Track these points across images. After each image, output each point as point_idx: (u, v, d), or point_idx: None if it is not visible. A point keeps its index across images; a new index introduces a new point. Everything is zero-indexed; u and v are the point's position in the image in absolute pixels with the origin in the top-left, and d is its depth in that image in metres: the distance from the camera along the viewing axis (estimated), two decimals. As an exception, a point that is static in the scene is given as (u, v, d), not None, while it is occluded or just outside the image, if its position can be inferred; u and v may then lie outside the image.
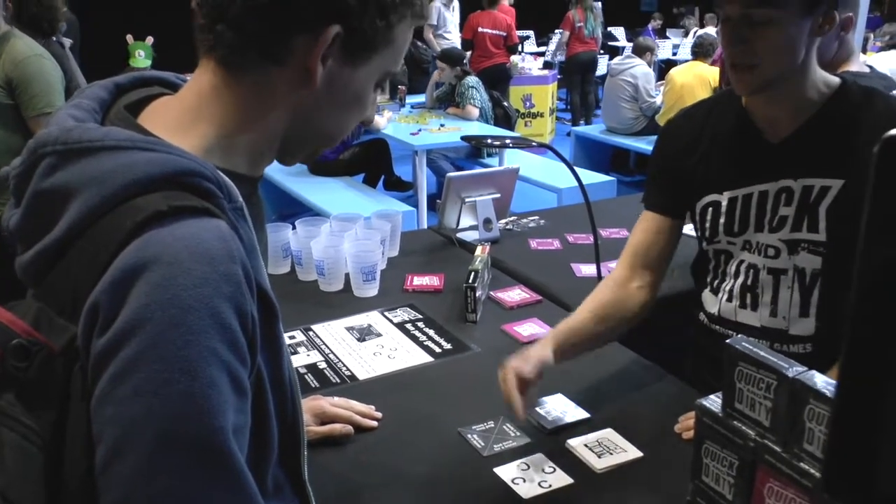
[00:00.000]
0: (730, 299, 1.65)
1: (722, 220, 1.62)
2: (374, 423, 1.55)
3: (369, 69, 0.91)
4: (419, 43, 9.44)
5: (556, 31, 10.29)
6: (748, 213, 1.58)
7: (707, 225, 1.65)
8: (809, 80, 1.49)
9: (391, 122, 6.37)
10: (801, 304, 1.56)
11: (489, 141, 2.36)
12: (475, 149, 6.40)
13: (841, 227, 1.48)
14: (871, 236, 0.42)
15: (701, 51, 6.87)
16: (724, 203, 1.61)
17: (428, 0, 0.98)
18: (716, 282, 1.70)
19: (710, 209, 1.64)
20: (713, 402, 1.22)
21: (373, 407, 1.59)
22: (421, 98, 7.65)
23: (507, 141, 2.22)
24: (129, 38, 7.87)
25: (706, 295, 1.74)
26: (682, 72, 6.91)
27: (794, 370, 1.09)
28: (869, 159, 0.42)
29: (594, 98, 10.22)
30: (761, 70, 1.44)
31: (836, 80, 1.52)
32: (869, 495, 0.44)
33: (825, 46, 2.07)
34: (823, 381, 1.06)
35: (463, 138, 2.36)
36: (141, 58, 7.54)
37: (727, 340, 1.18)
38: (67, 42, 6.52)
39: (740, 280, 1.63)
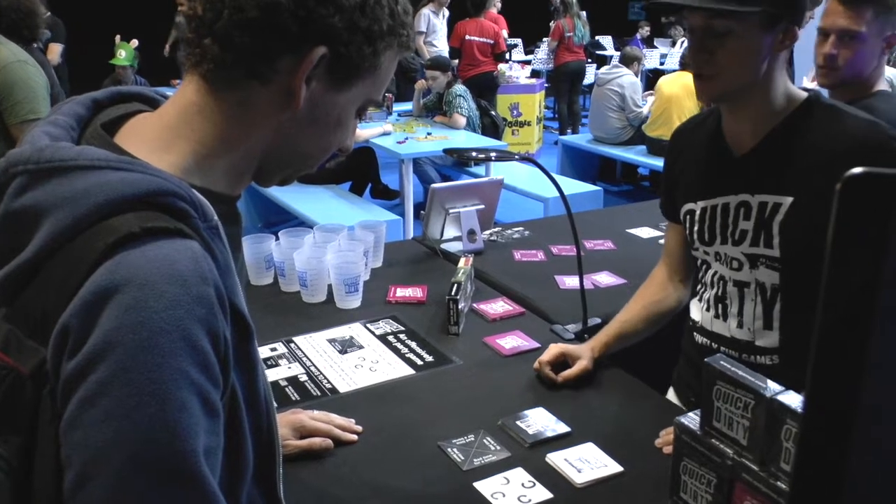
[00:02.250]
0: (707, 309, 1.69)
1: (696, 228, 1.67)
2: (354, 437, 1.55)
3: (352, 95, 0.92)
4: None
5: (544, 39, 10.31)
6: (714, 223, 1.63)
7: (687, 232, 1.70)
8: (772, 95, 1.52)
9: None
10: (765, 316, 1.59)
11: (473, 154, 2.36)
12: (461, 157, 6.39)
13: (792, 243, 1.50)
14: (833, 271, 0.42)
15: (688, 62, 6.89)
16: (698, 212, 1.66)
17: (414, 31, 0.98)
18: (700, 291, 1.73)
19: (689, 217, 1.69)
20: (691, 419, 1.22)
21: (353, 420, 1.58)
22: (408, 106, 7.65)
23: (491, 154, 2.22)
24: (118, 37, 7.88)
25: (693, 303, 1.78)
26: (670, 82, 6.93)
27: (772, 390, 1.09)
28: (817, 179, 0.43)
29: (579, 107, 10.25)
30: (721, 80, 1.48)
31: (802, 95, 1.54)
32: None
33: (867, 62, 2.09)
34: (801, 402, 1.06)
35: (445, 151, 2.36)
36: (121, 57, 7.54)
37: (706, 360, 1.19)
38: (59, 47, 6.51)
39: (713, 291, 1.67)
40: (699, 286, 1.74)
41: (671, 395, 1.88)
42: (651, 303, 1.85)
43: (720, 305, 1.65)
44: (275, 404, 0.97)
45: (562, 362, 1.78)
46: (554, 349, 1.78)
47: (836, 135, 1.47)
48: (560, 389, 1.75)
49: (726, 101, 1.55)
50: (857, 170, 0.40)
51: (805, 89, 1.57)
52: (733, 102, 1.54)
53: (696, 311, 1.75)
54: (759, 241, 1.55)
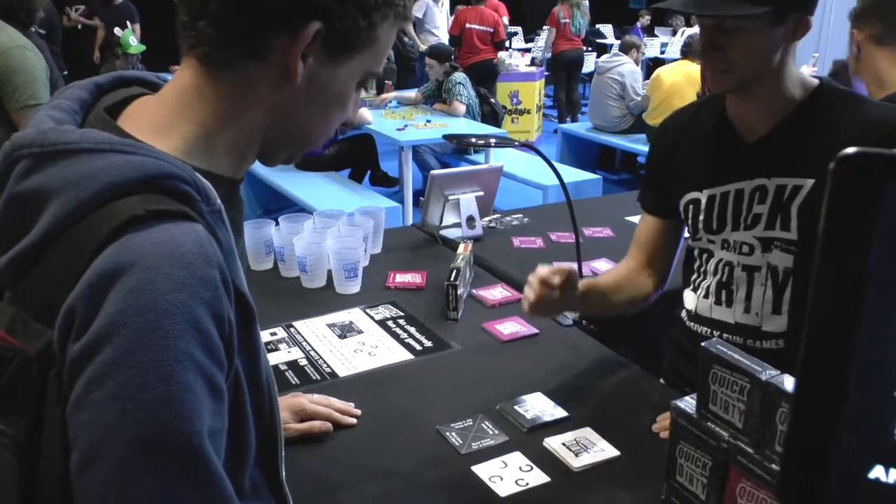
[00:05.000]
0: (706, 296, 1.69)
1: (701, 218, 1.66)
2: (353, 421, 1.56)
3: (351, 69, 0.91)
4: (406, 39, 9.44)
5: (544, 27, 10.28)
6: (725, 211, 1.62)
7: (689, 222, 1.70)
8: (785, 82, 1.53)
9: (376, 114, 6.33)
10: (774, 301, 1.59)
11: (472, 140, 2.37)
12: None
13: (811, 225, 1.51)
14: (826, 249, 0.43)
15: (689, 51, 6.86)
16: (704, 201, 1.65)
17: (412, 1, 0.97)
18: (697, 280, 1.73)
19: (692, 206, 1.68)
20: (688, 403, 1.23)
21: (352, 404, 1.59)
22: (408, 94, 7.63)
23: (490, 140, 2.22)
24: (118, 30, 7.86)
25: (687, 293, 1.77)
26: (671, 71, 6.92)
27: (768, 374, 1.10)
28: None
29: (578, 96, 10.23)
30: (734, 73, 1.49)
31: (814, 81, 1.55)
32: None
33: None
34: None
35: (445, 137, 2.36)
36: (135, 44, 7.55)
37: (702, 343, 1.20)
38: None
39: (716, 278, 1.66)
40: (695, 276, 1.74)
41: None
42: (624, 277, 1.80)
43: (724, 292, 1.65)
44: (276, 388, 0.98)
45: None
46: (543, 267, 1.58)
47: (855, 117, 1.48)
48: (558, 374, 1.76)
49: (741, 92, 1.54)
50: (851, 149, 0.41)
51: (814, 76, 1.58)
52: (746, 91, 1.53)
53: (692, 301, 1.74)
54: (774, 224, 1.55)
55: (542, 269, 1.56)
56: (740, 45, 1.45)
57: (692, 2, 1.50)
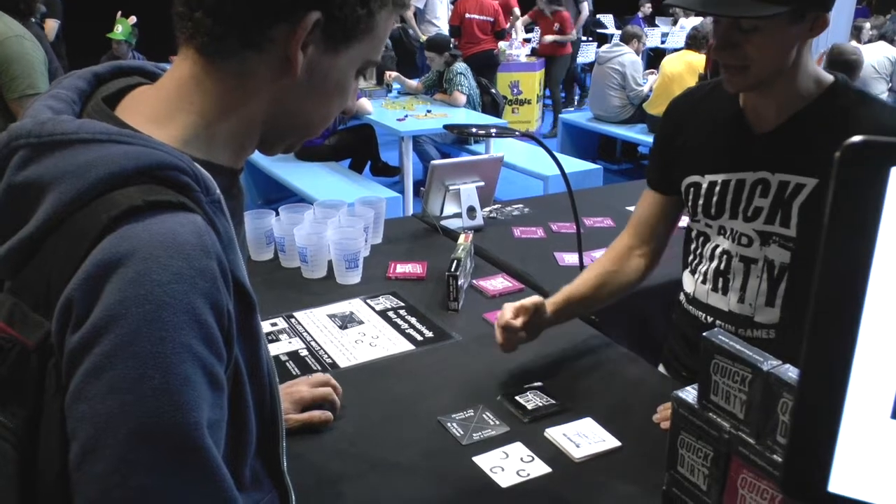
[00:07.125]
0: (704, 281, 1.70)
1: (701, 202, 1.66)
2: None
3: (350, 57, 0.90)
4: (409, 30, 9.42)
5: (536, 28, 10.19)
6: (725, 198, 1.61)
7: (689, 204, 1.70)
8: (800, 78, 1.50)
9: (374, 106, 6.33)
10: (768, 293, 1.60)
11: (473, 130, 2.36)
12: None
13: (811, 225, 1.51)
14: (830, 241, 0.43)
15: (694, 43, 6.82)
16: (704, 185, 1.64)
17: None
18: (694, 262, 1.74)
19: (692, 189, 1.68)
20: (689, 393, 1.23)
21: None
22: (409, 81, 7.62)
23: (491, 130, 2.22)
24: (119, 13, 7.81)
25: (686, 275, 1.78)
26: (673, 61, 6.90)
27: (769, 364, 1.10)
28: None
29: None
30: (751, 72, 1.46)
31: (829, 78, 1.53)
32: (823, 497, 0.45)
33: None
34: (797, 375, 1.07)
35: (446, 127, 2.36)
36: (118, 32, 7.46)
37: (704, 333, 1.20)
38: (55, 23, 6.46)
39: (714, 264, 1.67)
40: (693, 258, 1.74)
41: (661, 370, 1.88)
42: (605, 272, 1.79)
43: (721, 279, 1.66)
44: (277, 378, 0.97)
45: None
46: (507, 308, 1.66)
47: (864, 119, 1.46)
48: (558, 365, 1.76)
49: (757, 88, 1.52)
50: (857, 138, 0.41)
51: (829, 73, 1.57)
52: (763, 87, 1.51)
53: (690, 284, 1.75)
54: (774, 219, 1.55)
55: (507, 311, 1.65)
56: (757, 45, 1.42)
57: (710, 1, 1.46)
